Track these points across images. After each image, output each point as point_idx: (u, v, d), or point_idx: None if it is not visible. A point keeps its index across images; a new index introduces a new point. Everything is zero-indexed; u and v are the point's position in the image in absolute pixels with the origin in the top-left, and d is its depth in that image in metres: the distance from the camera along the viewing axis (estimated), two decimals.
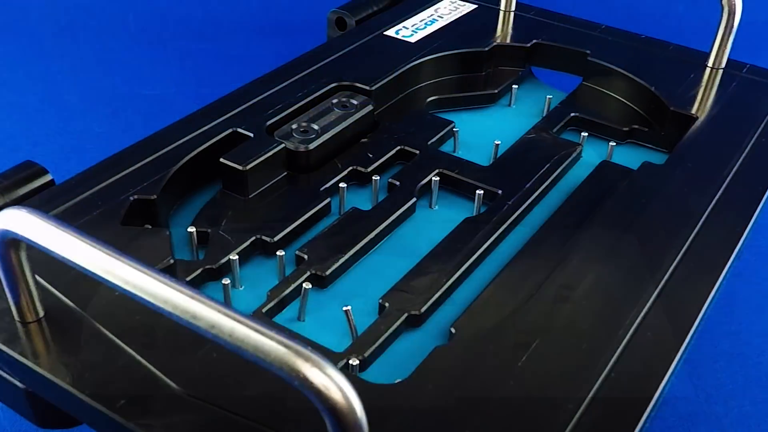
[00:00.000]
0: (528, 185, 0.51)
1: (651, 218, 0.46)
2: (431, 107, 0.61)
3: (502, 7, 0.70)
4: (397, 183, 0.51)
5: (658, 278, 0.41)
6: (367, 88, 0.57)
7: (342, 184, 0.50)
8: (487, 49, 0.64)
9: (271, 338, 0.27)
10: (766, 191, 0.49)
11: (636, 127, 0.58)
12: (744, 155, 0.52)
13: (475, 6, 0.71)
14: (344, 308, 0.41)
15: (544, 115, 0.60)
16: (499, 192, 0.50)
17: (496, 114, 0.62)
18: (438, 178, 0.51)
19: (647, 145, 0.58)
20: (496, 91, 0.62)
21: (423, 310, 0.41)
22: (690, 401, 0.60)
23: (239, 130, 0.51)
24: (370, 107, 0.56)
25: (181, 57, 1.03)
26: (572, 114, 0.59)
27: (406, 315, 0.41)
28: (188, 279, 0.42)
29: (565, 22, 0.68)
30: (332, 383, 0.26)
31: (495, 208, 0.49)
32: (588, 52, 0.63)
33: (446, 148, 0.57)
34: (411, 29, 0.66)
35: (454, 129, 0.56)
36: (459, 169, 0.52)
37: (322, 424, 0.26)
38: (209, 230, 0.46)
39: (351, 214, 0.48)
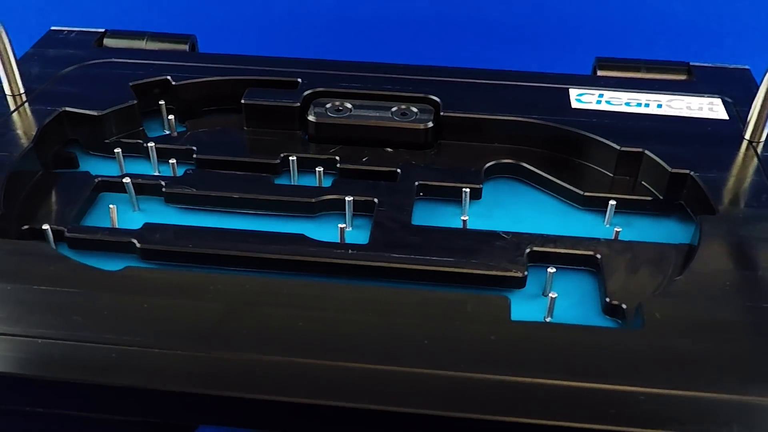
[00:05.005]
0: (403, 257, 0.45)
1: None
2: (510, 170, 0.54)
3: (747, 135, 0.53)
4: (329, 187, 0.51)
5: None
6: (441, 113, 0.55)
7: (292, 158, 0.52)
8: (620, 149, 0.51)
9: None
10: None
11: None
12: None
13: (726, 119, 0.55)
14: (110, 206, 0.48)
15: None
16: (366, 242, 0.46)
17: (579, 218, 0.51)
18: (351, 199, 0.49)
19: None
20: (583, 193, 0.51)
21: (146, 246, 0.45)
22: None
23: (299, 80, 0.57)
24: (427, 125, 0.54)
25: None
26: (593, 255, 0.46)
27: (138, 246, 0.46)
28: (115, 138, 0.55)
29: None
30: None
31: (336, 247, 0.46)
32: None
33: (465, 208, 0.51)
34: (600, 100, 0.57)
35: (465, 189, 0.50)
36: (390, 210, 0.48)
37: None
38: (185, 126, 0.56)
39: (255, 178, 0.51)
